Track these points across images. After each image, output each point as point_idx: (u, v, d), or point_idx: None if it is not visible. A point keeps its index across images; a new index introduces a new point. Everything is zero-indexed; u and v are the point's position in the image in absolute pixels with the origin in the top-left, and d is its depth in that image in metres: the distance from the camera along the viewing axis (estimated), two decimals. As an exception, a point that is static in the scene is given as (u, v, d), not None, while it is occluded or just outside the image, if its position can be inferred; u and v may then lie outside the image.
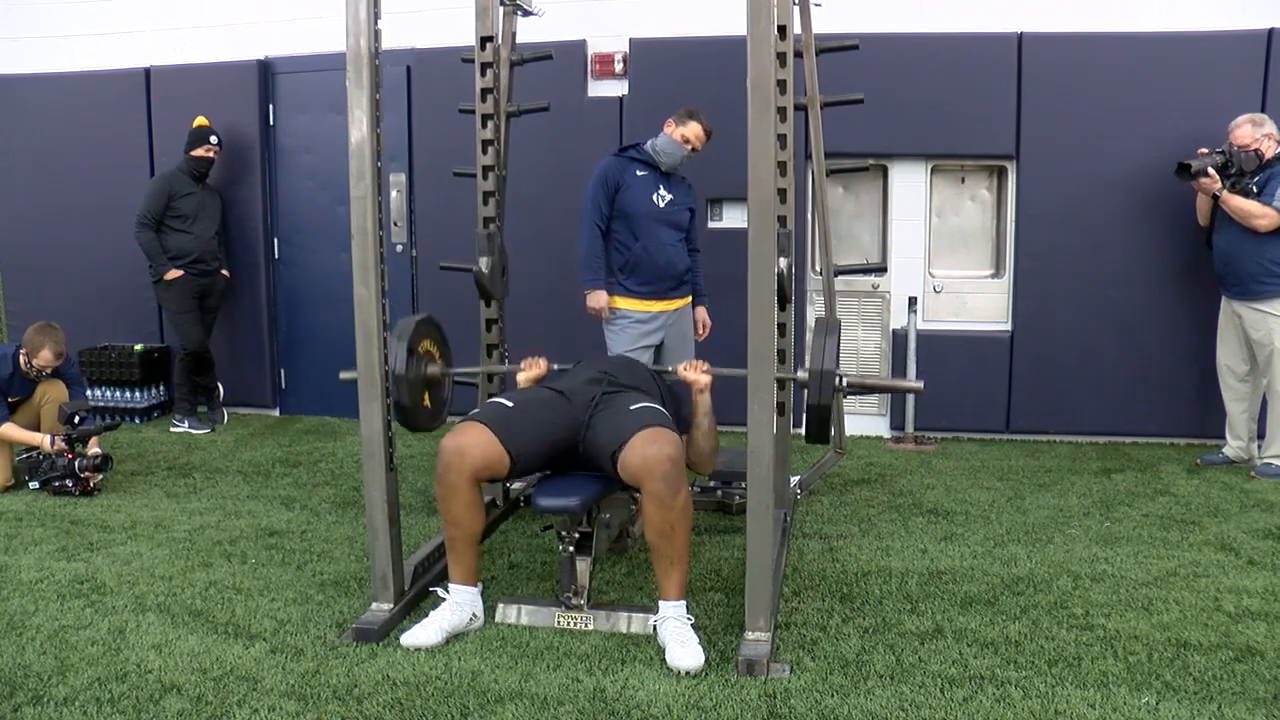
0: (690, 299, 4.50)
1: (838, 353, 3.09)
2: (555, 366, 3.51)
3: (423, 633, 2.96)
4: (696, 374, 3.34)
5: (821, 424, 3.11)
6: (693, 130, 4.25)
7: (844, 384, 3.10)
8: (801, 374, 3.08)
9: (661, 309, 4.34)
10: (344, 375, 3.23)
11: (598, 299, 4.27)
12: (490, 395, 4.13)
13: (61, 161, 6.26)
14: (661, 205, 4.26)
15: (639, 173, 4.27)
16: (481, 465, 2.99)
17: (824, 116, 4.25)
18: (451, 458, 2.96)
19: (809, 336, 3.10)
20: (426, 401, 3.44)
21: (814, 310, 5.58)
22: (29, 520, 4.20)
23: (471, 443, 2.98)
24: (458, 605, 3.04)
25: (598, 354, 3.91)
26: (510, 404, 3.17)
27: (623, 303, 4.30)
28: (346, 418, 5.86)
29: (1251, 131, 4.61)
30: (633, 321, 4.29)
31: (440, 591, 3.09)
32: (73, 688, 2.70)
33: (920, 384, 3.39)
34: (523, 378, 3.49)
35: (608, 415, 3.11)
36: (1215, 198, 4.67)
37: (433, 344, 3.47)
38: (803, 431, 3.19)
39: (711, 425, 3.36)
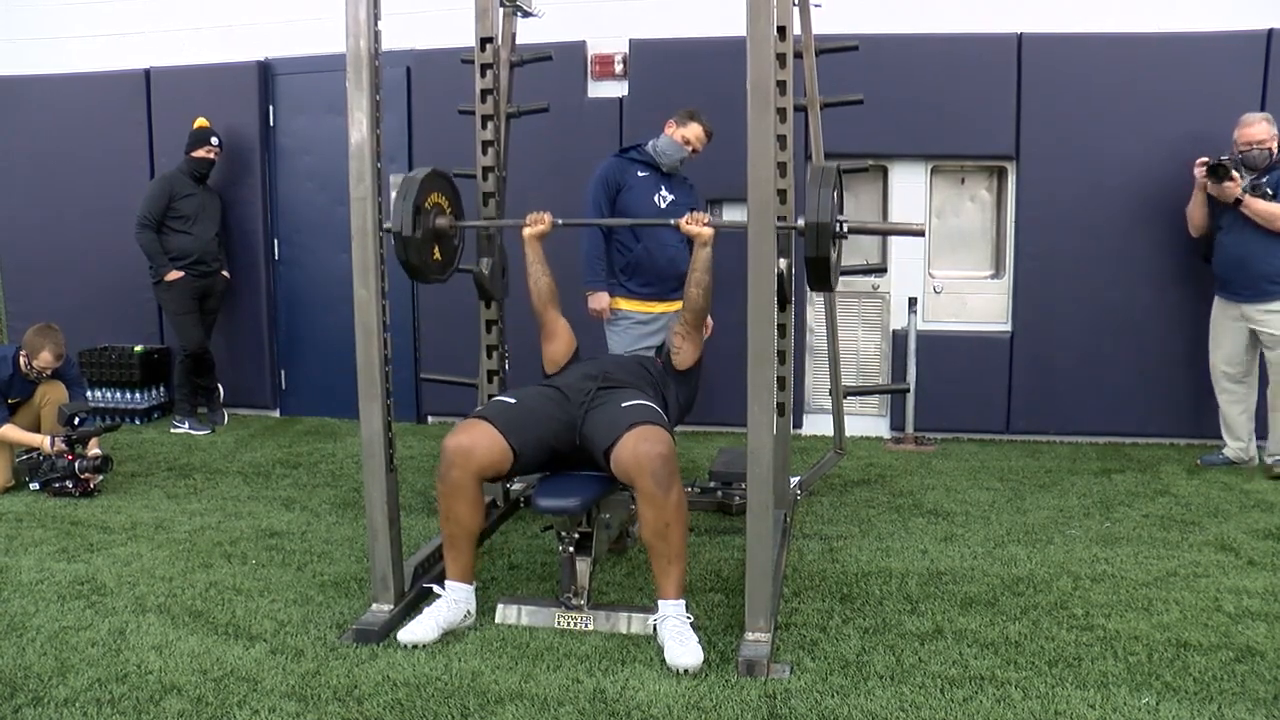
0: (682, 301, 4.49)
1: (834, 202, 2.99)
2: (560, 222, 3.51)
3: (419, 628, 2.97)
4: (699, 226, 3.35)
5: (822, 269, 3.03)
6: (693, 131, 4.26)
7: (844, 229, 3.03)
8: (800, 221, 3.02)
9: (663, 310, 4.34)
10: None
11: (599, 300, 4.28)
12: (491, 396, 4.13)
13: (62, 162, 6.26)
14: (663, 206, 4.27)
15: (640, 173, 4.27)
16: (486, 463, 3.01)
17: (824, 117, 4.25)
18: (456, 456, 2.98)
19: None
20: (436, 255, 3.44)
21: (813, 310, 5.58)
22: (29, 521, 4.20)
23: (475, 441, 3.00)
24: (454, 602, 3.05)
25: (599, 354, 3.91)
26: (512, 400, 3.19)
27: (624, 304, 4.30)
28: (347, 419, 5.86)
29: (1268, 128, 4.57)
30: (634, 322, 4.30)
31: (436, 588, 3.10)
32: (73, 689, 2.70)
33: (920, 226, 3.32)
34: (528, 233, 3.51)
35: (601, 411, 3.13)
36: (1212, 201, 4.65)
37: (441, 195, 3.44)
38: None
39: (710, 280, 3.38)
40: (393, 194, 5.02)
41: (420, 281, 3.46)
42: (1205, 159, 4.66)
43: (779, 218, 2.91)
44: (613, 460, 2.98)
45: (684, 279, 4.34)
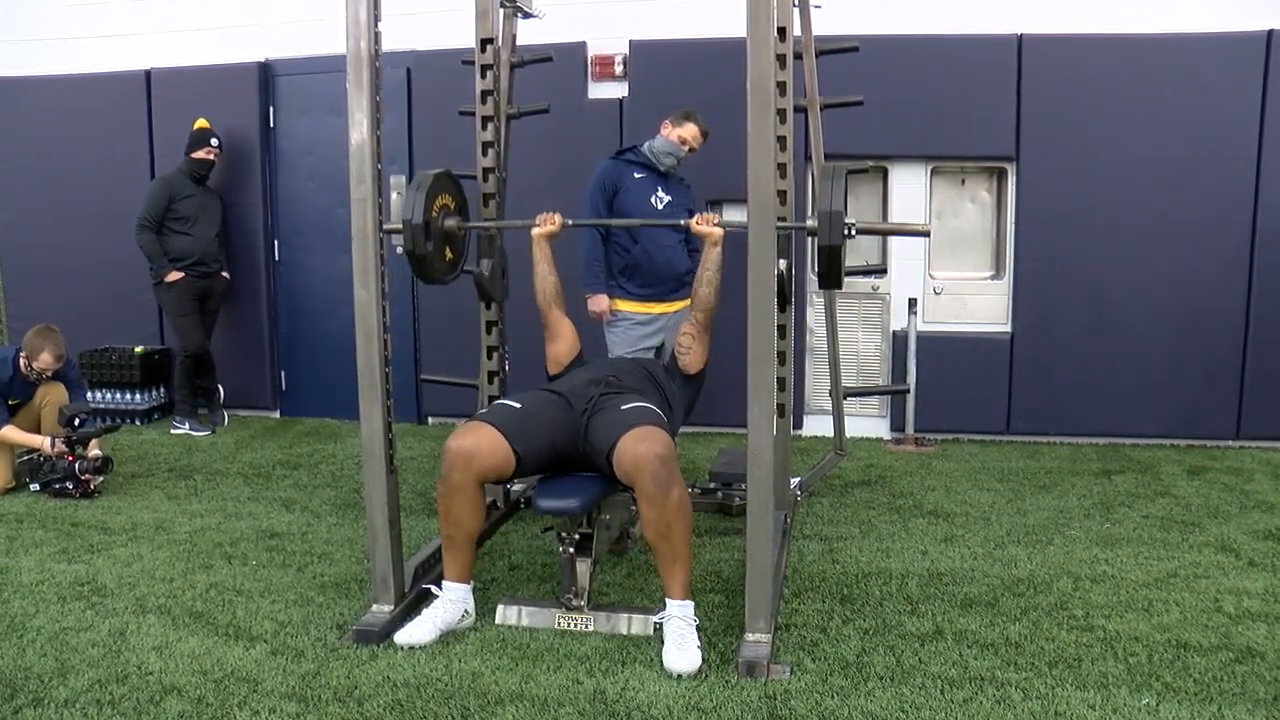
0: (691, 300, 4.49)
1: (845, 197, 3.02)
2: (569, 223, 3.55)
3: (417, 630, 2.97)
4: (709, 226, 3.38)
5: (833, 266, 3.04)
6: (689, 131, 4.26)
7: (853, 230, 3.03)
8: (810, 221, 3.03)
9: (662, 310, 4.34)
10: None
11: (598, 303, 4.28)
12: (492, 397, 4.13)
13: (62, 163, 6.26)
14: (660, 207, 4.27)
15: (636, 175, 4.27)
16: (489, 467, 3.00)
17: (824, 118, 4.25)
18: (458, 458, 2.97)
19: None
20: (447, 254, 3.48)
21: (813, 311, 5.58)
22: (30, 522, 4.21)
23: (479, 444, 2.99)
24: (451, 602, 3.06)
25: (599, 357, 3.91)
26: (517, 405, 3.18)
27: (623, 305, 4.30)
28: (347, 419, 5.86)
29: None
30: (633, 324, 4.30)
31: (434, 589, 3.10)
32: (73, 689, 2.70)
33: (926, 227, 3.31)
34: (537, 232, 3.52)
35: (603, 417, 3.12)
36: None
37: (450, 198, 3.47)
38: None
39: (720, 279, 3.41)
40: (393, 195, 5.01)
41: (426, 280, 3.51)
42: None
43: (780, 219, 2.91)
44: (614, 463, 2.98)
45: (682, 280, 4.37)
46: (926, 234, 3.42)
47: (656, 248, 4.25)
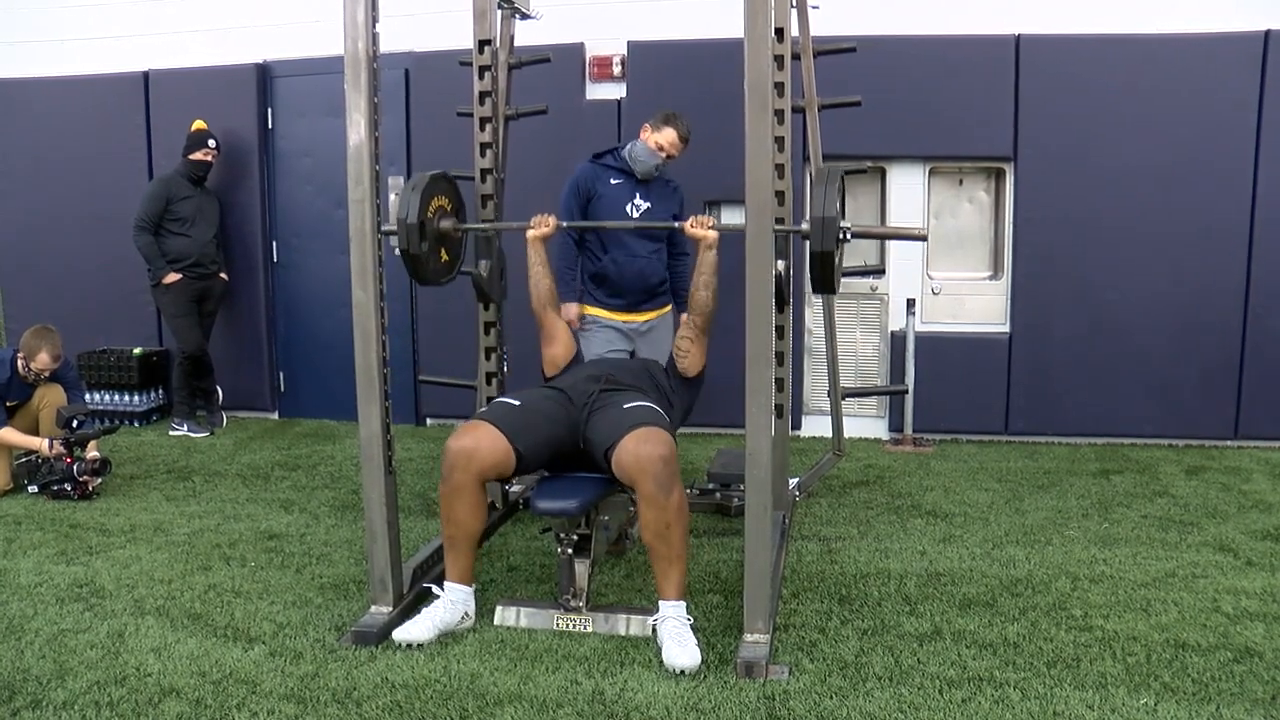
0: (669, 308, 4.31)
1: (840, 202, 3.00)
2: (564, 225, 3.57)
3: (415, 628, 2.98)
4: (703, 230, 3.34)
5: (826, 272, 3.03)
6: (667, 137, 4.07)
7: (848, 235, 3.02)
8: (805, 225, 3.02)
9: (629, 319, 4.21)
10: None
11: (567, 311, 4.13)
12: (490, 399, 4.13)
13: (60, 165, 6.26)
14: (635, 215, 4.10)
15: (613, 181, 4.12)
16: (489, 465, 3.01)
17: (822, 119, 4.25)
18: (458, 458, 2.98)
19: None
20: (443, 256, 3.47)
21: (812, 312, 5.59)
22: (28, 524, 4.20)
23: (479, 443, 3.00)
24: (452, 604, 3.06)
25: (601, 356, 3.90)
26: (516, 402, 3.20)
27: (594, 310, 4.19)
28: (345, 421, 5.85)
29: None
30: (603, 325, 4.18)
31: (435, 589, 3.10)
32: (71, 691, 2.70)
33: (923, 231, 3.27)
34: (532, 234, 3.52)
35: (604, 413, 3.13)
36: None
37: (447, 200, 3.46)
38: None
39: (717, 283, 3.36)
40: (391, 196, 4.97)
41: (421, 281, 3.48)
42: None
43: (778, 220, 2.90)
44: (613, 462, 2.99)
45: (655, 291, 4.24)
46: (924, 238, 3.39)
47: (627, 258, 4.10)
